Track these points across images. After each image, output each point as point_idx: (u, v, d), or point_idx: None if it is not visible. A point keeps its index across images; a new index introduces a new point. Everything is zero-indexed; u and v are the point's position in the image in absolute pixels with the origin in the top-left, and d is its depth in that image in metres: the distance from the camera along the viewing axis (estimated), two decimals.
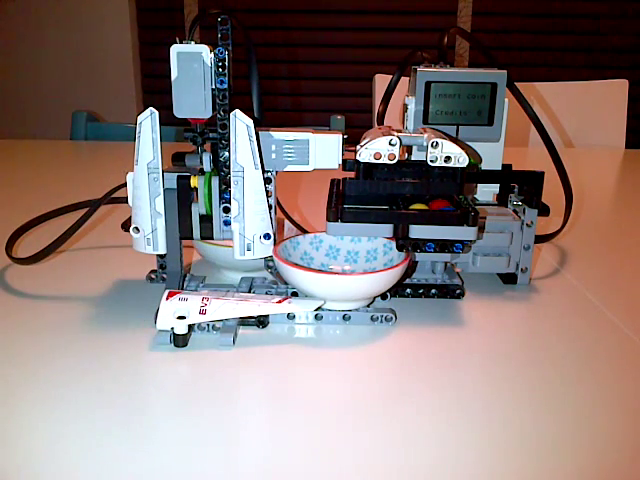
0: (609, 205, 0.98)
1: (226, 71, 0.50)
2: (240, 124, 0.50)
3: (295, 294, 0.55)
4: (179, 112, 0.51)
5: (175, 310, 0.48)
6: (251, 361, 0.46)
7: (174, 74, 0.50)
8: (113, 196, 0.62)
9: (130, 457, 0.35)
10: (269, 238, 0.54)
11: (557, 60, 2.48)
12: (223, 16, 0.52)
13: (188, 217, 0.54)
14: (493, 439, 0.37)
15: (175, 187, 0.53)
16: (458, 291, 0.58)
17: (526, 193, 0.60)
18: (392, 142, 0.51)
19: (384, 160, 0.51)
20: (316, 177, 0.61)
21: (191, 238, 0.55)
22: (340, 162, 0.56)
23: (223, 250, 0.59)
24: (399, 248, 0.52)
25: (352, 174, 0.55)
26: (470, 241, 0.52)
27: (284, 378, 0.44)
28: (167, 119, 0.59)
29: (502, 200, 0.64)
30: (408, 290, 0.58)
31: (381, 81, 1.53)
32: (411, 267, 0.59)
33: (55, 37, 2.53)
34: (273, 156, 0.54)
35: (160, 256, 0.59)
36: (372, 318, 0.52)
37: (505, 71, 0.60)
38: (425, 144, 0.52)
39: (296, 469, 0.34)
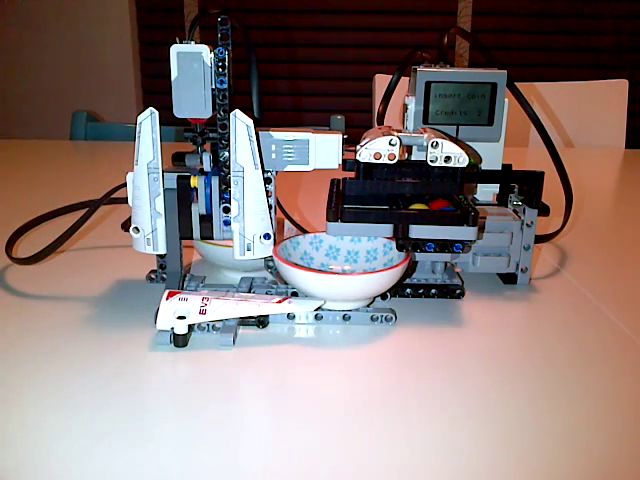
0: (609, 205, 0.98)
1: (226, 71, 0.50)
2: (240, 124, 0.50)
3: (295, 294, 0.55)
4: (179, 112, 0.51)
5: (175, 310, 0.48)
6: (251, 361, 0.46)
7: (174, 74, 0.50)
8: (113, 196, 0.62)
9: (130, 457, 0.35)
10: (269, 238, 0.54)
11: (557, 60, 2.48)
12: (223, 16, 0.52)
13: (188, 217, 0.54)
14: (493, 438, 0.37)
15: (175, 187, 0.53)
16: (458, 291, 0.58)
17: (526, 193, 0.60)
18: (392, 142, 0.51)
19: (384, 160, 0.51)
20: (316, 177, 0.61)
21: (191, 238, 0.55)
22: (340, 162, 0.56)
23: (223, 250, 0.59)
24: (399, 248, 0.52)
25: (352, 174, 0.55)
26: (470, 241, 0.52)
27: (284, 378, 0.44)
28: (167, 119, 0.59)
29: (502, 200, 0.64)
30: (408, 290, 0.58)
31: (381, 81, 1.53)
32: (411, 267, 0.59)
33: (55, 37, 2.53)
34: (273, 156, 0.54)
35: (160, 256, 0.59)
36: (372, 318, 0.52)
37: (505, 71, 0.60)
38: (425, 144, 0.52)
39: (296, 469, 0.34)
